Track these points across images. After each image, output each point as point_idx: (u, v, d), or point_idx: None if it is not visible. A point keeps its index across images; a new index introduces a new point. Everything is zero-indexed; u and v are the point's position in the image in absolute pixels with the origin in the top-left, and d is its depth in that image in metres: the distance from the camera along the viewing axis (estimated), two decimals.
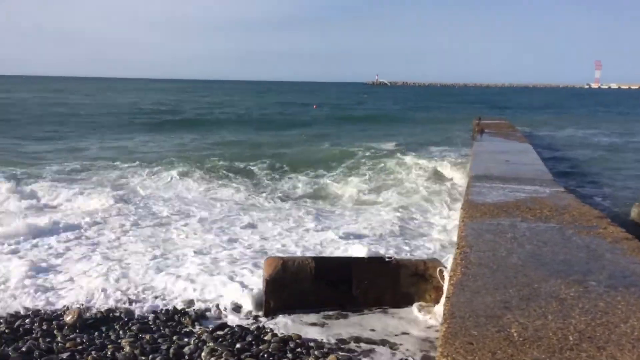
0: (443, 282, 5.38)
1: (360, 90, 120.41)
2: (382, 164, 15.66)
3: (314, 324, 5.52)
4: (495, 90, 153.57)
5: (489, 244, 4.64)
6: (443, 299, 4.70)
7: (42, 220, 9.12)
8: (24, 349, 4.79)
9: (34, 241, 8.29)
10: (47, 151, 19.02)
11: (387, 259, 6.04)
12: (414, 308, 5.72)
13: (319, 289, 5.79)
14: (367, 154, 17.64)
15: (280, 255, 7.11)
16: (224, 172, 14.69)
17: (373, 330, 5.35)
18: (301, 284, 5.78)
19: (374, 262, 6.01)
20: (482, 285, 3.62)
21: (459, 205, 8.80)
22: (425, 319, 5.54)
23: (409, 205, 11.15)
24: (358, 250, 7.46)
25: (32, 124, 29.47)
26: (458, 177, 13.12)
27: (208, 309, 5.91)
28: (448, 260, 5.95)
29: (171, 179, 13.79)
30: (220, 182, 13.66)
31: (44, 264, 7.34)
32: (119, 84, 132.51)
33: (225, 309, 5.92)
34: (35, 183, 12.69)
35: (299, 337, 5.09)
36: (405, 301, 5.85)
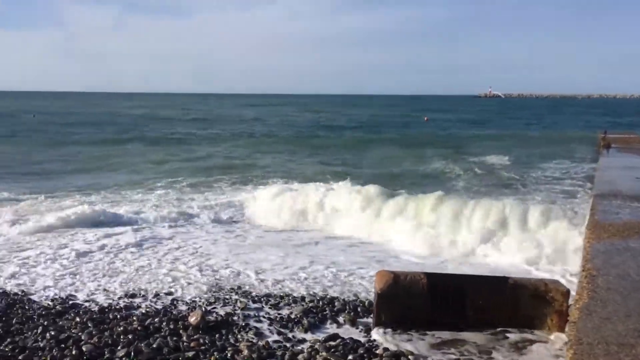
0: (566, 305, 5.08)
1: (472, 103, 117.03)
2: None
3: (425, 342, 5.42)
4: (621, 101, 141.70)
5: (619, 268, 4.32)
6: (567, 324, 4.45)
7: None
8: (154, 345, 5.20)
9: None
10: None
11: (504, 279, 5.81)
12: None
13: (431, 306, 5.70)
14: None
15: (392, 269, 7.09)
16: None
17: (488, 354, 5.16)
18: (413, 300, 5.72)
19: (491, 281, 5.81)
20: (613, 311, 3.39)
21: None
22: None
23: None
24: None
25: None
26: None
27: (321, 320, 6.04)
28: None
29: None
30: None
31: None
32: (241, 100, 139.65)
33: (337, 320, 6.03)
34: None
35: (412, 353, 5.04)
36: (523, 324, 5.58)
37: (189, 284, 7.57)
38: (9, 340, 5.38)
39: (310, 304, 6.55)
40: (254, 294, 7.11)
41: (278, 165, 19.75)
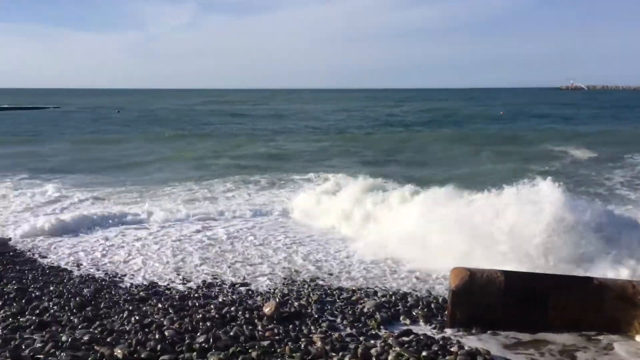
0: None
1: (554, 95, 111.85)
2: None
3: (502, 342, 5.27)
4: None
5: None
6: None
7: None
8: (231, 333, 5.36)
9: None
10: None
11: (589, 279, 5.53)
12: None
13: (508, 305, 5.52)
14: None
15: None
16: None
17: (572, 357, 4.93)
18: (489, 298, 5.56)
19: (574, 281, 5.55)
20: None
21: None
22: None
23: None
24: None
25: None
26: None
27: (393, 315, 6.00)
28: None
29: None
30: None
31: None
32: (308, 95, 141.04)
33: (410, 315, 5.98)
34: None
35: (488, 353, 4.91)
36: (608, 327, 5.30)
37: (263, 275, 7.76)
38: (97, 323, 5.72)
39: (383, 299, 6.52)
40: (326, 286, 7.18)
41: (356, 165, 19.66)
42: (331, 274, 7.77)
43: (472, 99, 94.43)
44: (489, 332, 5.45)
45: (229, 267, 8.17)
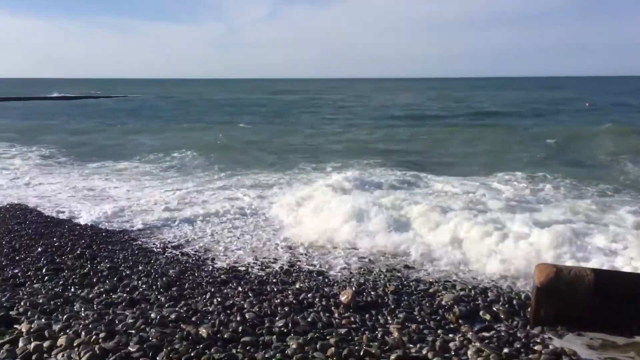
0: None
1: None
2: None
3: (589, 343, 5.03)
4: None
5: None
6: None
7: None
8: (309, 319, 5.45)
9: None
10: None
11: None
12: None
13: (598, 305, 5.24)
14: None
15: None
16: None
17: None
18: (576, 296, 5.30)
19: None
20: None
21: None
22: None
23: None
24: None
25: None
26: None
27: (473, 309, 5.86)
28: None
29: None
30: None
31: None
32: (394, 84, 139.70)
33: (490, 311, 5.82)
34: None
35: (575, 353, 4.70)
36: None
37: (339, 265, 7.82)
38: (182, 302, 5.99)
39: (462, 292, 6.38)
40: (403, 278, 7.13)
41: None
42: (409, 266, 7.69)
43: (553, 88, 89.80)
44: (576, 332, 5.21)
45: (305, 254, 8.29)
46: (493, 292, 6.46)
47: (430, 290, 6.50)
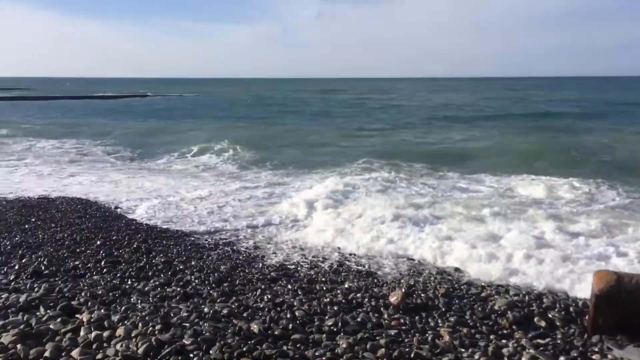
0: None
1: None
2: None
3: None
4: None
5: None
6: None
7: None
8: (358, 319, 5.45)
9: None
10: None
11: None
12: None
13: None
14: None
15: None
16: None
17: None
18: (638, 305, 5.08)
19: None
20: None
21: None
22: None
23: None
24: None
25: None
26: None
27: (527, 315, 5.71)
28: None
29: None
30: None
31: None
32: (455, 83, 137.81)
33: (545, 317, 5.65)
34: None
35: None
36: None
37: (388, 266, 7.78)
38: (234, 298, 6.10)
39: (515, 298, 6.23)
40: (454, 280, 7.02)
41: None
42: (458, 269, 7.56)
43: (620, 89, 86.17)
44: (636, 342, 4.99)
45: (354, 254, 8.29)
46: (548, 298, 6.27)
47: (483, 295, 6.37)
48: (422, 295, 6.28)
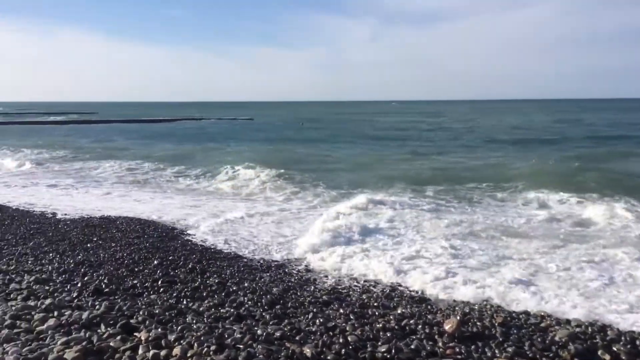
0: None
1: None
2: None
3: None
4: None
5: None
6: None
7: None
8: (412, 346, 5.35)
9: None
10: None
11: None
12: None
13: None
14: None
15: None
16: None
17: None
18: None
19: None
20: None
21: None
22: None
23: None
24: None
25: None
26: None
27: (590, 348, 5.46)
28: None
29: None
30: None
31: None
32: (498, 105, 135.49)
33: (610, 350, 5.38)
34: None
35: None
36: None
37: (446, 288, 7.63)
38: (286, 321, 6.13)
39: (577, 329, 5.96)
40: (510, 310, 6.81)
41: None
42: (515, 298, 7.32)
43: None
44: None
45: (409, 278, 8.18)
46: (613, 330, 5.98)
47: (542, 325, 6.14)
48: (478, 323, 6.11)
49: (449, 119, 74.90)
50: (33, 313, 5.77)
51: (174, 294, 7.12)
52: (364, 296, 7.35)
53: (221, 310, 6.46)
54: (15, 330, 5.22)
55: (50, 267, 8.09)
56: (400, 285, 7.91)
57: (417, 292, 7.64)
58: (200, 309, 6.52)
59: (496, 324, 6.09)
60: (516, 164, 22.06)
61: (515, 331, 5.93)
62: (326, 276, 8.40)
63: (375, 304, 6.93)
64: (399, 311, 6.64)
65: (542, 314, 6.58)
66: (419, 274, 8.20)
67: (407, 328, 5.96)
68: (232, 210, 13.65)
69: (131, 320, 5.83)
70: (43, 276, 7.55)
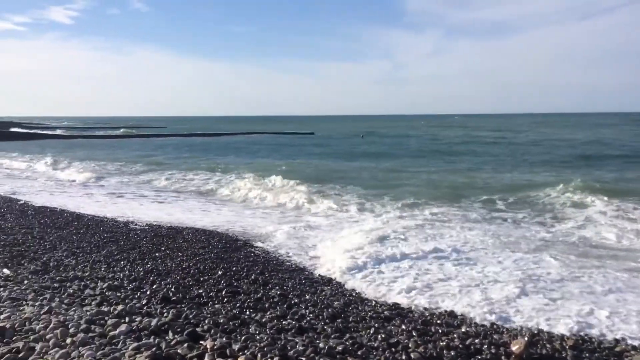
0: None
1: None
2: None
3: None
4: None
5: None
6: None
7: None
8: None
9: None
10: None
11: None
12: None
13: None
14: None
15: None
16: None
17: None
18: None
19: None
20: None
21: None
22: None
23: None
24: None
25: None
26: None
27: None
28: None
29: None
30: None
31: None
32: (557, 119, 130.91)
33: None
34: None
35: None
36: None
37: (516, 309, 7.38)
38: (348, 335, 6.11)
39: None
40: (584, 333, 6.49)
41: None
42: (596, 323, 6.96)
43: None
44: None
45: (474, 300, 7.97)
46: None
47: (617, 349, 5.83)
48: (548, 345, 5.87)
49: (513, 131, 72.77)
50: (106, 318, 6.02)
51: (238, 304, 7.25)
52: (427, 313, 7.23)
53: (283, 322, 6.52)
54: (89, 335, 5.46)
55: (121, 275, 8.44)
56: (471, 306, 7.70)
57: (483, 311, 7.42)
58: (263, 320, 6.60)
59: (567, 347, 5.83)
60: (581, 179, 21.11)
61: (587, 355, 5.66)
62: (389, 291, 8.30)
63: (439, 322, 6.80)
64: (463, 329, 6.48)
65: (617, 337, 6.24)
66: (483, 293, 7.98)
67: (471, 347, 5.81)
68: (293, 223, 13.79)
69: (197, 329, 5.97)
70: (115, 283, 7.87)
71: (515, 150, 40.96)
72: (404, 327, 6.49)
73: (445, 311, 7.36)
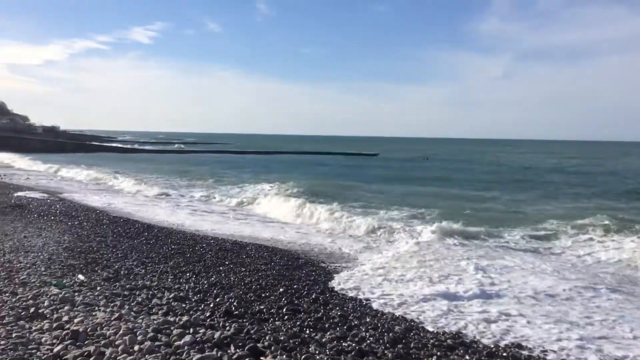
0: None
1: None
2: None
3: None
4: None
5: None
6: None
7: None
8: None
9: None
10: None
11: None
12: None
13: None
14: None
15: None
16: None
17: None
18: None
19: None
20: None
21: None
22: None
23: None
24: None
25: None
26: None
27: None
28: None
29: None
30: None
31: None
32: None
33: None
34: None
35: None
36: None
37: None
38: None
39: None
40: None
41: None
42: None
43: None
44: None
45: (539, 329, 7.62)
46: None
47: None
48: None
49: (586, 159, 69.62)
50: (172, 328, 6.19)
51: (298, 323, 7.25)
52: (491, 344, 6.96)
53: (343, 344, 6.45)
54: (156, 343, 5.62)
55: (186, 286, 8.66)
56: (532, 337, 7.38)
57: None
58: (323, 340, 6.57)
59: None
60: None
61: None
62: (454, 321, 8.05)
63: (505, 354, 6.53)
64: None
65: None
66: (547, 327, 7.62)
67: None
68: (353, 245, 13.74)
69: (258, 344, 6.02)
70: (180, 294, 8.09)
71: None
72: (467, 357, 6.28)
73: (512, 343, 7.07)
